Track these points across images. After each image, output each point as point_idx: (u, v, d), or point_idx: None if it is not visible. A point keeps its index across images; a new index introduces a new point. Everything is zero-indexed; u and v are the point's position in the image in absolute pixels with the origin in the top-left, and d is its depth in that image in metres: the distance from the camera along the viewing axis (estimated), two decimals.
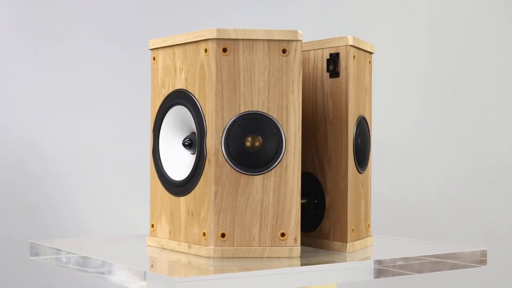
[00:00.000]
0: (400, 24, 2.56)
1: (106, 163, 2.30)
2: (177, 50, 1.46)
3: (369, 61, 1.56)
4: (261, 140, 1.38)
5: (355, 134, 1.48)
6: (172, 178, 1.47)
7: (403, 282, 2.42)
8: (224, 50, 1.38)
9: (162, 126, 1.50)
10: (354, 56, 1.47)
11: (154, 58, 1.53)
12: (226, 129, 1.37)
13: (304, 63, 1.54)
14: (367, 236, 1.55)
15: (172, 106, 1.47)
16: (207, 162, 1.38)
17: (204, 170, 1.39)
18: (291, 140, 1.38)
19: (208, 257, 1.37)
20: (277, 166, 1.38)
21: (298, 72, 1.39)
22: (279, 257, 1.37)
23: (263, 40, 1.38)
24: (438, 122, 2.57)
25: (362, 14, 2.57)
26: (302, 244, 1.55)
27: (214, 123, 1.37)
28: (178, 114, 1.47)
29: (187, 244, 1.43)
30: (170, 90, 1.48)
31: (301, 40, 1.39)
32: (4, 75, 2.23)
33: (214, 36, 1.37)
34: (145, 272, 1.21)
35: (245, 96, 1.38)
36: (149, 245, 1.53)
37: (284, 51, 1.38)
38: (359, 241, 1.50)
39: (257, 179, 1.38)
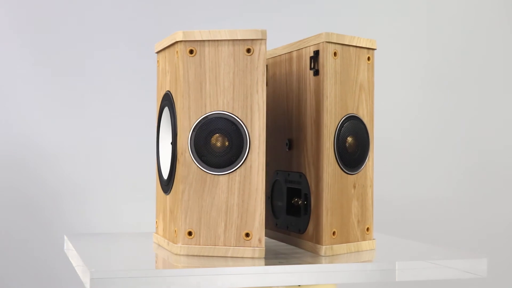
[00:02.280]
0: (400, 24, 2.55)
1: (111, 162, 2.37)
2: (166, 53, 1.51)
3: (368, 58, 1.49)
4: (225, 140, 1.38)
5: (337, 133, 1.43)
6: (164, 177, 1.52)
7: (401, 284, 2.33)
8: (191, 51, 1.40)
9: (160, 127, 1.55)
10: (335, 53, 1.42)
11: (158, 62, 1.59)
12: (192, 129, 1.39)
13: (300, 61, 1.51)
14: (363, 240, 1.48)
15: (164, 107, 1.52)
16: (177, 161, 1.41)
17: (176, 169, 1.42)
18: (255, 140, 1.37)
19: (176, 254, 1.40)
20: (242, 166, 1.38)
21: (262, 72, 1.37)
22: (242, 257, 1.37)
23: (228, 40, 1.38)
24: (438, 122, 2.54)
25: (362, 14, 2.55)
26: (295, 245, 1.52)
27: (182, 123, 1.40)
28: (167, 115, 1.51)
29: (167, 241, 1.47)
30: (165, 92, 1.53)
31: (265, 39, 1.37)
32: (6, 75, 2.31)
33: (181, 39, 1.40)
34: (90, 271, 1.24)
35: (211, 96, 1.39)
36: (154, 242, 1.59)
37: (248, 50, 1.38)
38: (345, 244, 1.44)
39: (223, 179, 1.39)
